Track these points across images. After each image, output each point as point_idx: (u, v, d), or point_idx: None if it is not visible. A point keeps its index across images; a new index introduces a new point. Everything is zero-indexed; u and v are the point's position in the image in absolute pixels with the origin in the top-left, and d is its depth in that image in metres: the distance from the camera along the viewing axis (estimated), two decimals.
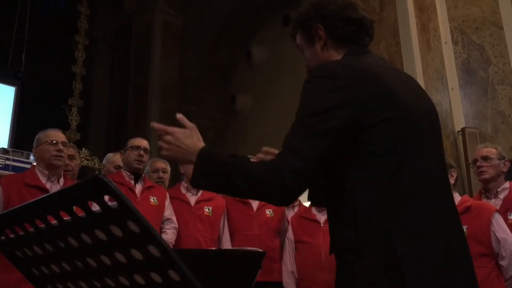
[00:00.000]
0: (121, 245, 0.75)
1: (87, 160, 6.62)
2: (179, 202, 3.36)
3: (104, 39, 9.86)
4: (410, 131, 1.13)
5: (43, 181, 2.82)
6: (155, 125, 1.28)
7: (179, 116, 1.26)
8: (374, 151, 1.10)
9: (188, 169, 3.44)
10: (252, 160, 1.17)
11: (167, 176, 3.84)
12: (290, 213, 3.65)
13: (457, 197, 2.73)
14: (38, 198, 0.80)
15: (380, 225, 1.06)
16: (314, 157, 1.08)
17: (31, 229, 0.85)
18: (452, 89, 4.32)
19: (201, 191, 3.41)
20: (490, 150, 2.98)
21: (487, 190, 2.99)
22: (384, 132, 1.10)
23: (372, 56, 1.30)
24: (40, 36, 9.10)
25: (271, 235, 3.44)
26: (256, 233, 3.37)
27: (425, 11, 4.46)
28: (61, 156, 2.86)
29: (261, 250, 1.63)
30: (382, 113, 1.11)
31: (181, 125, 1.27)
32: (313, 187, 1.25)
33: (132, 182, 3.22)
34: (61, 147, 2.86)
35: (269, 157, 1.25)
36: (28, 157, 4.87)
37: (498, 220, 2.61)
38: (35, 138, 2.94)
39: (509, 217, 2.80)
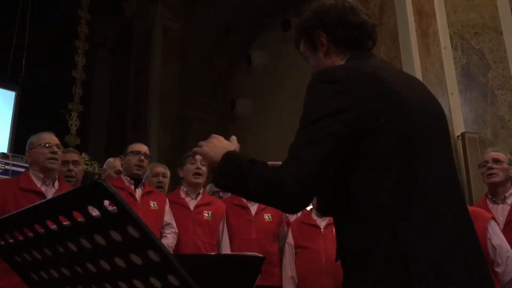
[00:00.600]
0: (120, 250, 0.75)
1: (87, 165, 6.62)
2: (178, 206, 3.35)
3: (104, 44, 9.89)
4: (415, 132, 1.12)
5: (38, 185, 2.77)
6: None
7: (233, 138, 1.38)
8: (378, 154, 1.09)
9: (187, 174, 3.46)
10: (271, 164, 1.19)
11: (166, 181, 3.84)
12: (293, 217, 3.62)
13: None
14: (37, 203, 0.80)
15: (386, 229, 1.05)
16: (317, 163, 1.07)
17: (30, 234, 0.85)
18: (452, 94, 4.33)
19: (200, 196, 3.43)
20: (500, 154, 2.96)
21: (495, 194, 2.92)
22: (388, 135, 1.09)
23: (375, 59, 1.29)
24: (40, 41, 9.13)
25: (270, 239, 3.43)
26: (254, 238, 3.36)
27: (424, 16, 4.48)
28: (56, 159, 2.82)
29: (261, 255, 1.62)
30: (385, 115, 1.10)
31: None
32: (321, 197, 1.25)
33: (132, 187, 3.22)
34: (56, 149, 2.83)
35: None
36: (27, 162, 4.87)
37: (493, 227, 2.60)
38: (28, 142, 2.89)
39: None
